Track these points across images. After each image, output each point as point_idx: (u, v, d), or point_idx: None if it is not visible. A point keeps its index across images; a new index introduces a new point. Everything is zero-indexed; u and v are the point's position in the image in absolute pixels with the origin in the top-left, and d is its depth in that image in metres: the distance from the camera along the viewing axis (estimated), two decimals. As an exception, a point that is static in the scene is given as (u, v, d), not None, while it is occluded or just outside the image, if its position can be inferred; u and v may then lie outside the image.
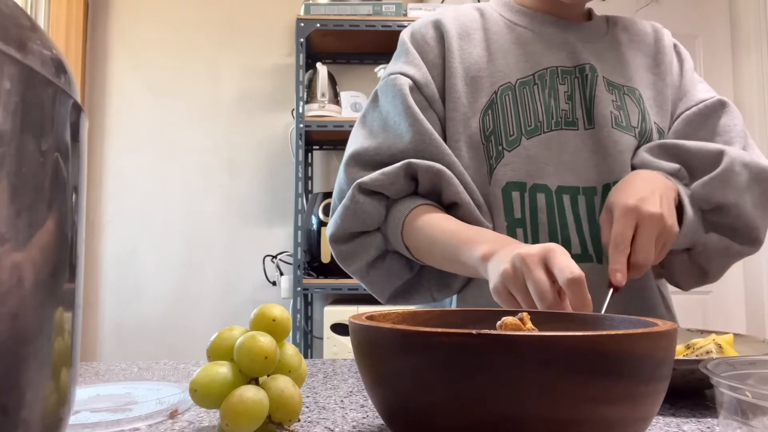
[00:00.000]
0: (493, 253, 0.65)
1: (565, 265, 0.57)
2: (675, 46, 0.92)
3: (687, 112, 0.85)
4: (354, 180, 0.79)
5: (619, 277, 0.65)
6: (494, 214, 0.79)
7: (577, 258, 0.77)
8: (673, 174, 0.77)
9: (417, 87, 0.82)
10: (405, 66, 0.83)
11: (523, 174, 0.78)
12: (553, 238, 0.78)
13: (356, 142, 0.84)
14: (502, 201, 0.78)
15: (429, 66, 0.83)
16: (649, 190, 0.69)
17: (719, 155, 0.76)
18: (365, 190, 0.78)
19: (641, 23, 0.92)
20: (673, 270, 0.81)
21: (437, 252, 0.74)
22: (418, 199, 0.80)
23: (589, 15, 0.91)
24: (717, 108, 0.84)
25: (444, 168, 0.77)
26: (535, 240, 0.78)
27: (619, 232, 0.67)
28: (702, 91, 0.87)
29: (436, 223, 0.75)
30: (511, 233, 0.78)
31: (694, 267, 0.80)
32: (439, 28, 0.84)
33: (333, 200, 0.84)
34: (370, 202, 0.78)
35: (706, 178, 0.75)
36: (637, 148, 0.81)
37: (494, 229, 0.78)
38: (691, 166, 0.78)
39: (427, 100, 0.82)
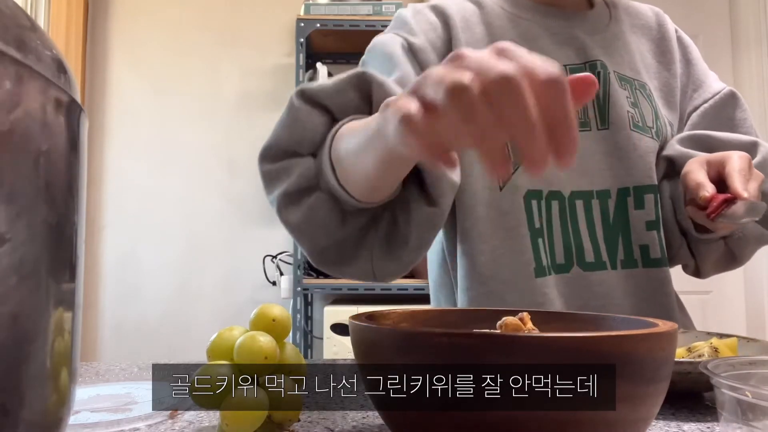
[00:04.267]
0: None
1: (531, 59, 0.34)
2: (676, 31, 0.89)
3: (705, 105, 0.83)
4: None
5: (747, 194, 0.62)
6: (514, 223, 0.74)
7: (591, 266, 0.76)
8: None
9: (411, 50, 0.72)
10: (401, 32, 0.74)
11: (539, 182, 0.75)
12: (566, 247, 0.75)
13: None
14: (524, 209, 0.74)
15: (431, 45, 0.74)
16: None
17: (753, 146, 0.75)
18: (307, 97, 0.64)
19: (640, 6, 0.89)
20: (707, 257, 0.80)
21: (352, 145, 0.57)
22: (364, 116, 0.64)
23: (590, 1, 0.86)
24: (729, 100, 0.83)
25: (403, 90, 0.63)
26: (552, 250, 0.75)
27: (743, 166, 0.64)
28: (714, 81, 0.86)
29: (361, 122, 0.58)
30: (534, 244, 0.74)
31: (728, 254, 0.79)
32: (442, 13, 0.78)
33: None
34: (309, 111, 0.63)
35: None
36: (659, 148, 0.80)
37: (515, 237, 0.73)
38: None
39: (421, 66, 0.71)
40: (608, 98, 0.77)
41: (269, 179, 0.66)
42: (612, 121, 0.77)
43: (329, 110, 0.64)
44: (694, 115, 0.84)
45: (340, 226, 0.65)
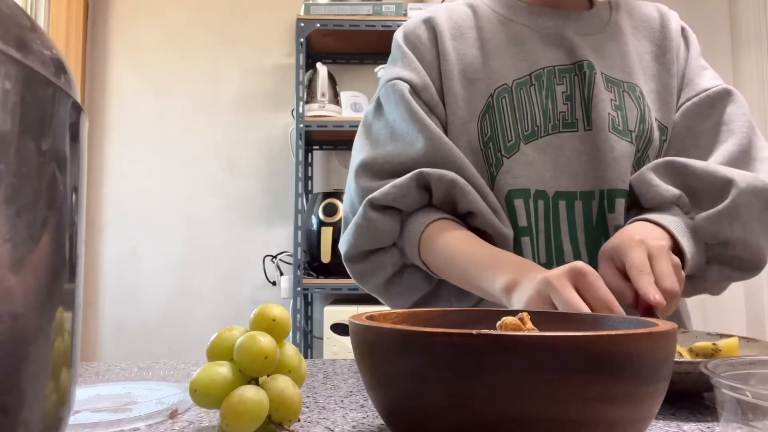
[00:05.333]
0: (516, 283, 0.63)
1: (599, 293, 0.56)
2: (683, 30, 0.87)
3: (688, 104, 0.81)
4: (365, 190, 0.77)
5: (659, 297, 0.58)
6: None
7: None
8: (673, 202, 0.73)
9: (415, 92, 0.79)
10: (402, 70, 0.81)
11: (525, 180, 0.76)
12: (548, 247, 0.76)
13: (363, 151, 0.80)
14: (506, 210, 0.76)
15: (427, 67, 0.80)
16: (646, 232, 0.67)
17: (727, 185, 0.70)
18: (377, 205, 0.75)
19: (646, 6, 0.88)
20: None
21: (456, 274, 0.73)
22: (433, 212, 0.77)
23: (591, 1, 0.86)
24: (722, 96, 0.80)
25: (457, 177, 0.74)
26: (537, 248, 0.76)
27: (637, 260, 0.62)
28: (706, 80, 0.83)
29: (453, 243, 0.73)
30: (517, 243, 0.76)
31: (698, 290, 0.77)
32: (432, 27, 0.82)
33: (344, 213, 0.82)
34: (382, 218, 0.75)
35: (712, 212, 0.70)
36: (636, 152, 0.78)
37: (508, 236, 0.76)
38: (696, 191, 0.74)
39: (427, 104, 0.79)
40: (591, 99, 0.78)
41: (363, 276, 0.81)
42: (593, 121, 0.77)
43: (398, 209, 0.76)
44: (677, 114, 0.82)
45: (428, 284, 0.81)
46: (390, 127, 0.80)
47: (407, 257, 0.78)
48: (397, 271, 0.79)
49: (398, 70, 0.81)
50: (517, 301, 0.62)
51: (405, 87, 0.79)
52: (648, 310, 0.61)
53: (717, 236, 0.71)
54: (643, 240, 0.64)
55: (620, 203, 0.76)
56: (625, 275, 0.64)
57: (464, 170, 0.75)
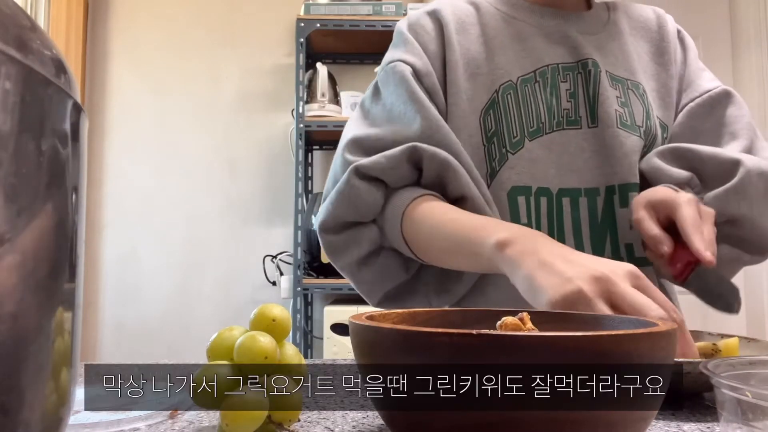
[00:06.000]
0: (513, 240, 0.59)
1: (658, 295, 0.51)
2: (678, 32, 0.88)
3: (691, 104, 0.82)
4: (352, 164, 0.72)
5: (710, 255, 0.60)
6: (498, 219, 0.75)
7: None
8: (686, 183, 0.74)
9: (417, 76, 0.77)
10: (405, 54, 0.78)
11: (528, 177, 0.75)
12: None
13: (356, 128, 0.77)
14: (507, 206, 0.75)
15: (430, 56, 0.78)
16: (689, 195, 0.67)
17: (734, 165, 0.72)
18: (363, 174, 0.71)
19: (642, 8, 0.89)
20: None
21: (439, 242, 0.68)
22: (420, 189, 0.73)
23: (589, 2, 0.87)
24: (722, 98, 0.81)
25: (451, 158, 0.71)
26: None
27: (692, 217, 0.62)
28: (707, 81, 0.84)
29: (440, 211, 0.69)
30: None
31: None
32: (438, 19, 0.81)
33: (326, 189, 0.77)
34: (367, 188, 0.71)
35: (720, 190, 0.72)
36: (644, 148, 0.79)
37: None
38: (703, 174, 0.75)
39: (428, 91, 0.77)
40: (597, 96, 0.78)
41: (336, 249, 0.75)
42: (600, 118, 0.77)
43: (384, 182, 0.72)
44: (680, 115, 0.83)
45: (405, 272, 0.77)
46: (387, 110, 0.77)
47: (386, 237, 0.74)
48: (373, 251, 0.75)
49: (401, 54, 0.79)
50: (544, 280, 0.54)
51: (407, 69, 0.77)
52: (685, 267, 0.62)
53: (724, 213, 0.72)
54: (695, 200, 0.65)
55: (633, 197, 0.76)
56: (664, 228, 0.65)
57: (459, 156, 0.73)
